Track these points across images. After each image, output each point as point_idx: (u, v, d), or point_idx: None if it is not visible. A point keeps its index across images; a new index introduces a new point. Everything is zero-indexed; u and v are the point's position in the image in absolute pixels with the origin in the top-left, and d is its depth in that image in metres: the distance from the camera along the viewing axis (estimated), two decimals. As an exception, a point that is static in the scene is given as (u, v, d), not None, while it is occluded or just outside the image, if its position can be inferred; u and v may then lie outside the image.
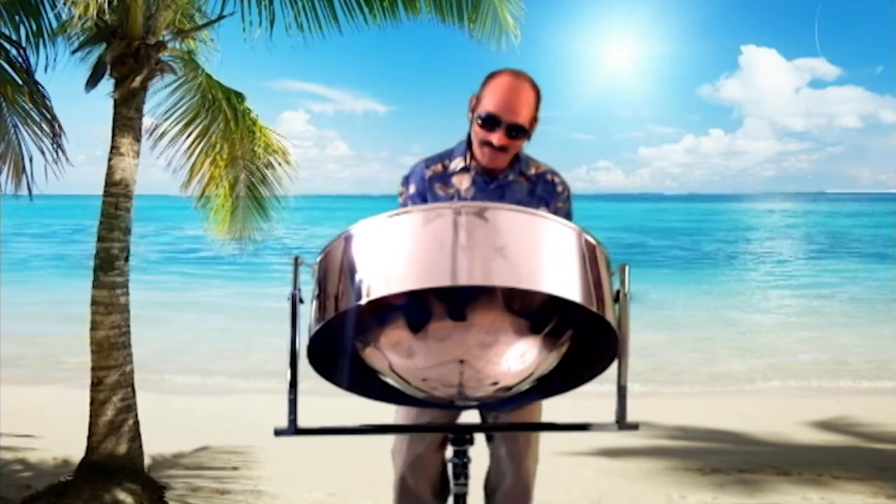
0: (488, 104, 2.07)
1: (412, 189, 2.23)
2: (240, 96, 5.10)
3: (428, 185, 2.21)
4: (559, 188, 2.25)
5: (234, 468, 4.81)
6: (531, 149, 2.26)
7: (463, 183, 2.19)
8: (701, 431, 6.06)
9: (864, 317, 13.86)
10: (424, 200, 2.21)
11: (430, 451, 2.25)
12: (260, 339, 10.25)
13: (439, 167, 2.23)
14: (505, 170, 2.19)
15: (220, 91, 5.01)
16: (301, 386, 1.48)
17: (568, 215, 2.24)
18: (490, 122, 2.07)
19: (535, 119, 2.11)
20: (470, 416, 2.08)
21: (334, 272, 1.38)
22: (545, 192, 2.22)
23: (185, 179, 5.26)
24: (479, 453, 1.89)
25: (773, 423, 6.30)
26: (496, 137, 2.07)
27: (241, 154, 5.26)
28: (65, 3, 3.48)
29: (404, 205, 2.24)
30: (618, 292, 1.43)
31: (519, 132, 2.08)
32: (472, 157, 2.19)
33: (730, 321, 13.81)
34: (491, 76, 2.11)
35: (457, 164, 2.21)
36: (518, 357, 1.41)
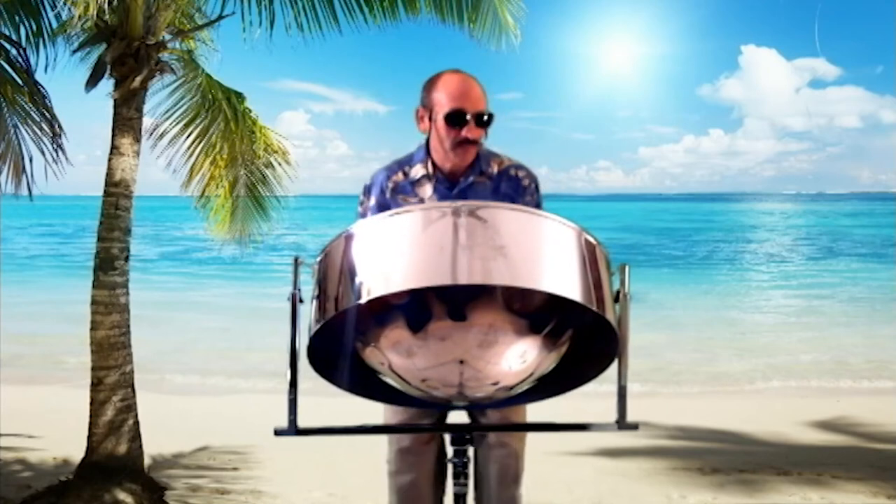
0: (447, 103, 2.05)
1: (372, 201, 2.21)
2: (240, 96, 5.10)
3: (391, 196, 2.18)
4: (525, 182, 2.21)
5: (234, 468, 4.81)
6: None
7: (425, 192, 2.17)
8: (701, 431, 6.05)
9: (863, 317, 13.85)
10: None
11: (417, 444, 2.23)
12: (260, 339, 10.24)
13: (400, 176, 2.20)
14: (465, 172, 2.15)
15: (220, 91, 5.01)
16: (301, 386, 1.48)
17: (538, 207, 2.21)
18: (456, 117, 2.05)
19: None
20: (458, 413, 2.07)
21: (334, 272, 1.37)
22: (510, 189, 2.18)
23: (185, 179, 5.25)
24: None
25: (773, 423, 6.29)
26: (467, 131, 2.05)
27: (241, 154, 5.25)
28: (65, 3, 3.47)
29: (363, 215, 2.22)
30: (618, 292, 1.43)
31: (486, 120, 2.07)
32: (434, 164, 2.17)
33: (730, 321, 13.80)
34: (433, 82, 2.10)
35: (417, 171, 2.18)
36: (518, 357, 1.41)
